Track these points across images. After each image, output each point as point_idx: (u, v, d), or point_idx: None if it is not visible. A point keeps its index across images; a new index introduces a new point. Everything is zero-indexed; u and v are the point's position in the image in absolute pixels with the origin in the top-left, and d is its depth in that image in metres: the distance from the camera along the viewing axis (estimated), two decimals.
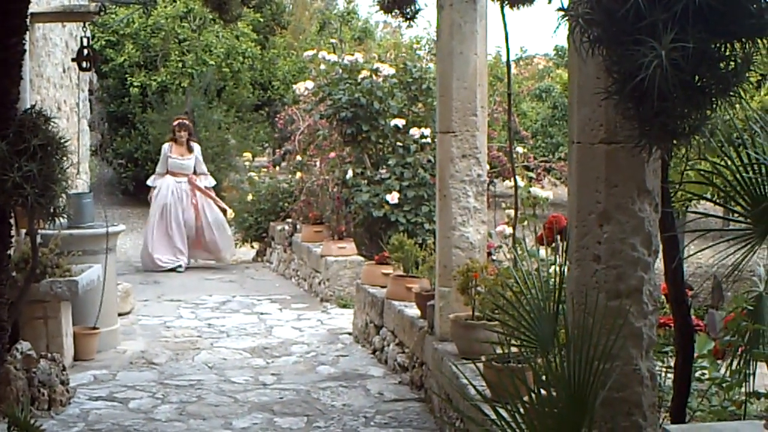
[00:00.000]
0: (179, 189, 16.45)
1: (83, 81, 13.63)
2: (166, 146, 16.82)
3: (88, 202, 10.71)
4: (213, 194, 16.95)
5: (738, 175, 4.57)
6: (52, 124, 6.91)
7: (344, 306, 12.87)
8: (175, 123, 16.91)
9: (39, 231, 7.48)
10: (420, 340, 8.64)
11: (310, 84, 15.35)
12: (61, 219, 7.19)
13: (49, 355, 8.53)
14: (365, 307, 10.69)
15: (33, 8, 10.14)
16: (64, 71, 12.48)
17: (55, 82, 12.04)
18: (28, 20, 6.64)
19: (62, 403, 8.27)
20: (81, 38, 10.76)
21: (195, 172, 16.69)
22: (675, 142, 3.82)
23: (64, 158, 7.04)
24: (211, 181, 16.98)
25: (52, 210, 6.91)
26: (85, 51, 10.49)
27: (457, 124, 8.06)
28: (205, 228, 16.48)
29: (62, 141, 6.89)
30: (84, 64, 10.56)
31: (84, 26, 10.92)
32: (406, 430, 7.80)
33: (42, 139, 6.59)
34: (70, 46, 12.58)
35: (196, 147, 16.93)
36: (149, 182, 16.95)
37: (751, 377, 5.34)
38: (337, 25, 29.44)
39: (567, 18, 3.75)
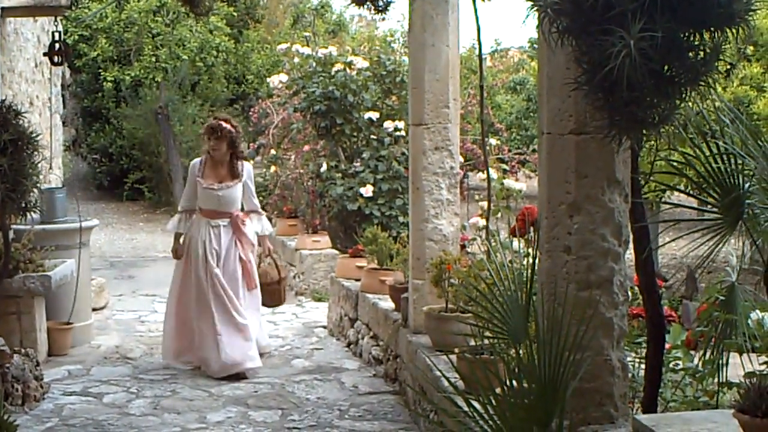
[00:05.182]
0: (216, 237, 9.58)
1: (56, 76, 13.57)
2: (195, 163, 9.89)
3: (61, 197, 10.66)
4: (269, 246, 10.38)
5: (709, 166, 4.59)
6: (23, 119, 6.90)
7: (319, 299, 12.89)
8: (207, 127, 9.85)
9: (11, 226, 7.46)
10: (394, 332, 8.64)
11: (284, 77, 15.33)
12: (34, 214, 7.17)
13: (23, 350, 8.49)
14: (340, 300, 10.69)
15: (4, 2, 10.13)
16: (36, 66, 12.42)
17: (27, 77, 11.98)
18: None
19: (36, 398, 8.23)
20: (53, 33, 10.71)
21: (242, 209, 9.95)
22: (644, 131, 3.83)
23: (36, 153, 7.03)
24: (265, 226, 10.34)
25: (23, 205, 6.90)
26: (57, 45, 10.44)
27: (430, 116, 8.05)
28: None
29: (34, 136, 6.89)
30: (56, 59, 10.52)
31: (56, 20, 10.87)
32: (380, 422, 7.80)
33: (13, 134, 6.59)
34: (42, 41, 12.51)
35: (246, 167, 9.96)
36: (170, 226, 10.02)
37: (724, 367, 5.35)
38: (311, 18, 29.36)
39: (536, 8, 3.76)
